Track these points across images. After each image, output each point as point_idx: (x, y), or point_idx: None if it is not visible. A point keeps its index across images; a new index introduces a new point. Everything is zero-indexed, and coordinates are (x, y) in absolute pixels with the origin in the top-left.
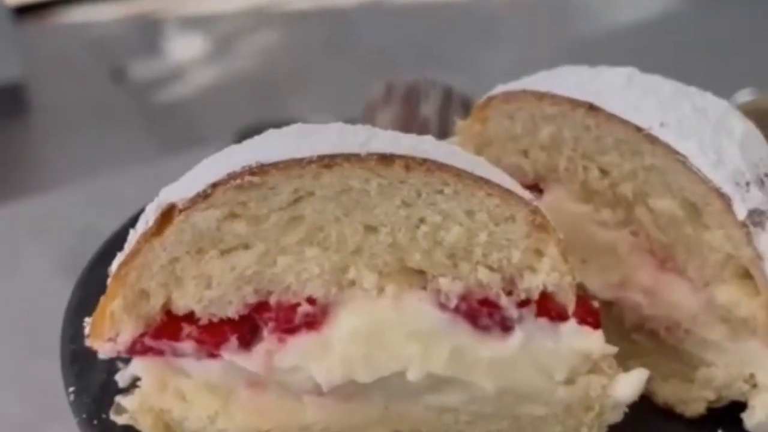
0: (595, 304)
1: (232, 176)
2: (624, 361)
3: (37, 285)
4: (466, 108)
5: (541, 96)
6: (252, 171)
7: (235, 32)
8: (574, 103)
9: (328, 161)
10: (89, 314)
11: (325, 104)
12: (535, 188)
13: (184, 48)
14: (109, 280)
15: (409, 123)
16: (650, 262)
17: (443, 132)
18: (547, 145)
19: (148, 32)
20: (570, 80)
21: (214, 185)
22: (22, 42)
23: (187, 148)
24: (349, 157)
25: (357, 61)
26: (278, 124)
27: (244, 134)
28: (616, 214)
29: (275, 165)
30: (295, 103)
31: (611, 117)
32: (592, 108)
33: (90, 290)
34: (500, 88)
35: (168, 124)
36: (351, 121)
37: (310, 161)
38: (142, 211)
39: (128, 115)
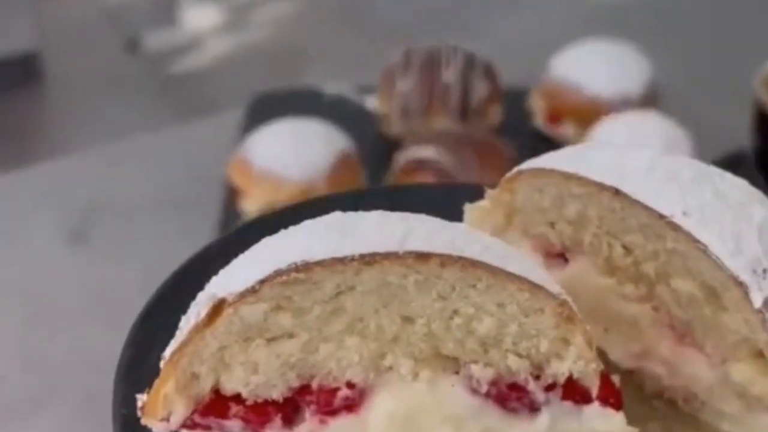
0: (617, 380)
1: (278, 273)
2: (644, 424)
3: (45, 253)
4: (489, 75)
5: (569, 176)
6: (297, 268)
7: (249, 1)
8: (601, 187)
9: (368, 259)
10: (138, 374)
11: (341, 73)
12: (562, 257)
13: (198, 18)
14: (162, 364)
15: (430, 90)
16: (670, 336)
17: (465, 99)
18: (573, 220)
19: (162, 2)
20: (596, 161)
21: (262, 281)
22: (36, 12)
23: (200, 117)
24: (387, 255)
25: (374, 29)
26: (293, 93)
27: (259, 103)
28: (638, 289)
29: (319, 263)
30: (310, 71)
31: (635, 202)
32: (617, 193)
33: (138, 349)
34: (529, 163)
35: (182, 94)
36: (368, 89)
37: (351, 259)
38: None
39: (142, 84)
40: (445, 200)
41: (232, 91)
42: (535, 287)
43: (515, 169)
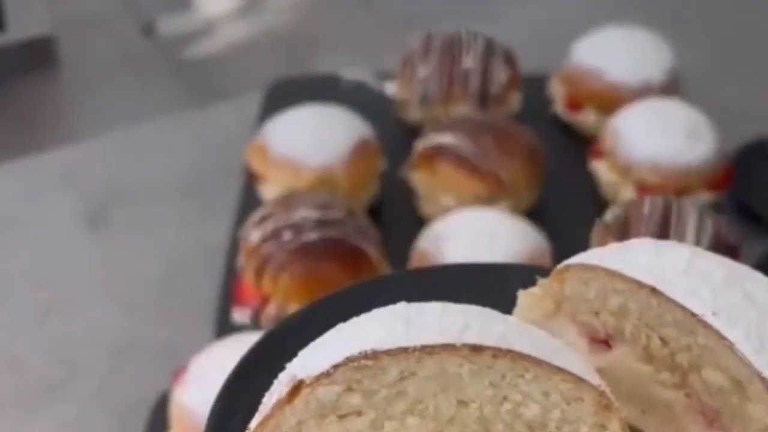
0: None
1: (350, 359)
2: None
3: (64, 237)
4: (509, 61)
5: (612, 273)
6: (367, 356)
7: None
8: (640, 285)
9: (429, 350)
10: None
11: (358, 59)
12: (606, 343)
13: (213, 3)
14: None
15: (450, 76)
16: (701, 420)
17: (485, 85)
18: (616, 312)
19: None
20: (637, 259)
21: (336, 366)
22: None
23: (216, 102)
24: (446, 347)
25: (391, 15)
26: (312, 79)
27: (277, 88)
28: (673, 377)
29: (386, 352)
30: (327, 57)
31: (671, 301)
32: (654, 291)
33: (220, 420)
34: (576, 258)
35: (196, 79)
36: (386, 75)
37: (414, 349)
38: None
39: (157, 69)
40: (501, 279)
41: (247, 76)
42: (577, 378)
43: (564, 263)
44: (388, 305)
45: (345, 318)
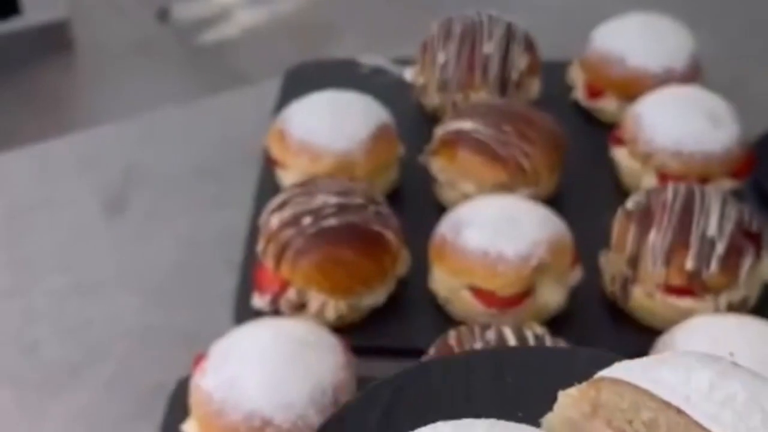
0: None
1: None
2: None
3: (82, 222)
4: (529, 47)
5: (642, 391)
6: None
7: None
8: (667, 404)
9: None
10: None
11: (377, 45)
12: None
13: None
14: None
15: (469, 62)
16: None
17: (504, 71)
18: (647, 423)
19: None
20: (666, 377)
21: None
22: None
23: (231, 88)
24: None
25: (410, 1)
26: (330, 64)
27: (295, 74)
28: None
29: None
30: (345, 44)
31: (695, 422)
32: (680, 411)
33: None
34: (610, 370)
35: (211, 64)
36: (404, 61)
37: None
38: None
39: (172, 54)
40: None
41: (263, 63)
42: None
43: (599, 375)
44: (452, 388)
45: (399, 404)
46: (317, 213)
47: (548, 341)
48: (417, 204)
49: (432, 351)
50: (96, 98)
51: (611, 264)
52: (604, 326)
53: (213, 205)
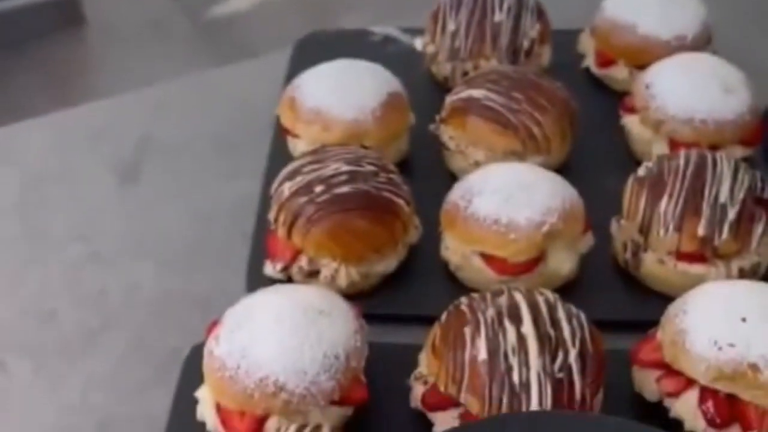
0: None
1: None
2: None
3: (97, 192)
4: (539, 15)
5: None
6: None
7: None
8: None
9: None
10: None
11: (386, 16)
12: None
13: None
14: None
15: (480, 30)
16: None
17: (515, 39)
18: None
19: None
20: None
21: None
22: None
23: (241, 60)
24: None
25: None
26: (341, 34)
27: (306, 44)
28: None
29: None
30: (354, 15)
31: None
32: None
33: None
34: None
35: (222, 39)
36: (416, 31)
37: None
38: None
39: (182, 29)
40: None
41: (272, 36)
42: None
43: None
44: None
45: None
46: (329, 181)
47: (560, 307)
48: (428, 173)
49: (444, 318)
50: (108, 73)
51: (623, 231)
52: (616, 293)
53: (226, 176)
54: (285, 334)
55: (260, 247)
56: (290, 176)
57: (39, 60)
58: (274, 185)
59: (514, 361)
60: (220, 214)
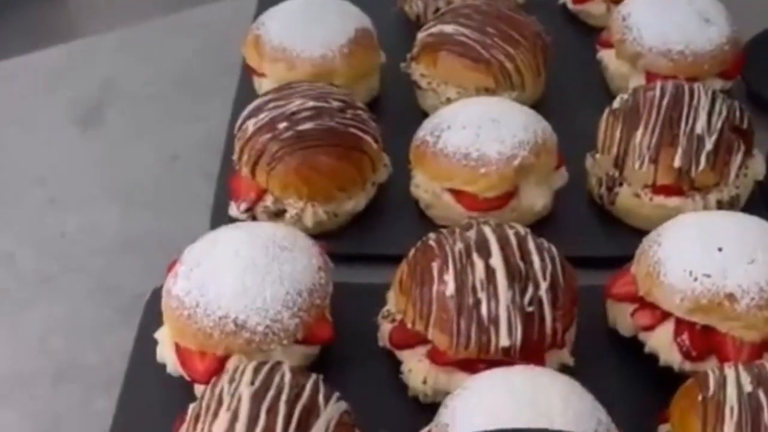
0: None
1: None
2: None
3: (59, 136)
4: None
5: None
6: None
7: None
8: None
9: None
10: None
11: None
12: None
13: None
14: None
15: None
16: None
17: None
18: None
19: None
20: None
21: None
22: None
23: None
24: None
25: None
26: None
27: None
28: None
29: None
30: None
31: None
32: None
33: None
34: None
35: None
36: None
37: None
38: None
39: None
40: None
41: None
42: None
43: None
44: None
45: None
46: (293, 117)
47: (530, 241)
48: (398, 112)
49: (411, 254)
50: (73, 14)
51: (598, 165)
52: (590, 229)
53: (191, 117)
54: (245, 270)
55: (225, 189)
56: (253, 113)
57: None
58: (238, 123)
59: (482, 295)
60: (186, 157)
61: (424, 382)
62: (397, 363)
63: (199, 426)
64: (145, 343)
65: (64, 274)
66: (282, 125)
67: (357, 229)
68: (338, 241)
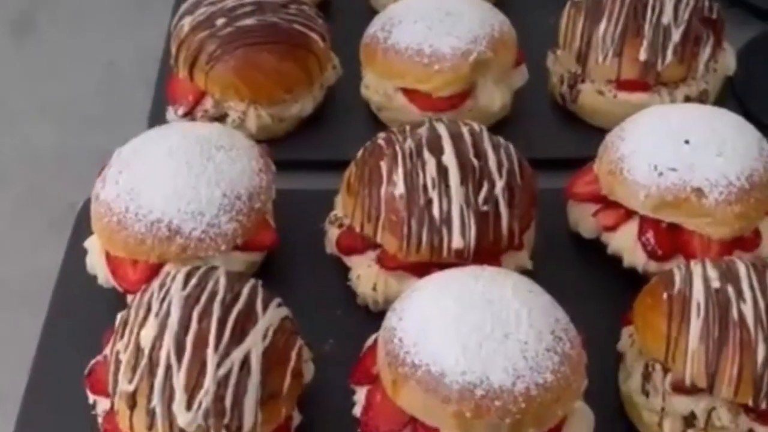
0: None
1: None
2: None
3: None
4: None
5: None
6: None
7: None
8: None
9: None
10: None
11: None
12: None
13: None
14: None
15: None
16: None
17: None
18: None
19: None
20: None
21: None
22: None
23: None
24: None
25: None
26: None
27: None
28: None
29: None
30: None
31: None
32: None
33: None
34: None
35: None
36: None
37: None
38: None
39: None
40: None
41: None
42: None
43: None
44: None
45: None
46: (232, 13)
47: (486, 138)
48: (350, 11)
49: (359, 154)
50: None
51: (559, 62)
52: (552, 130)
53: (128, 25)
54: (178, 171)
55: (163, 94)
56: (190, 10)
57: None
58: (174, 21)
59: (434, 194)
60: (124, 65)
61: (374, 288)
62: (346, 270)
63: (126, 334)
64: (76, 255)
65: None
66: (220, 21)
67: (304, 134)
68: (284, 147)
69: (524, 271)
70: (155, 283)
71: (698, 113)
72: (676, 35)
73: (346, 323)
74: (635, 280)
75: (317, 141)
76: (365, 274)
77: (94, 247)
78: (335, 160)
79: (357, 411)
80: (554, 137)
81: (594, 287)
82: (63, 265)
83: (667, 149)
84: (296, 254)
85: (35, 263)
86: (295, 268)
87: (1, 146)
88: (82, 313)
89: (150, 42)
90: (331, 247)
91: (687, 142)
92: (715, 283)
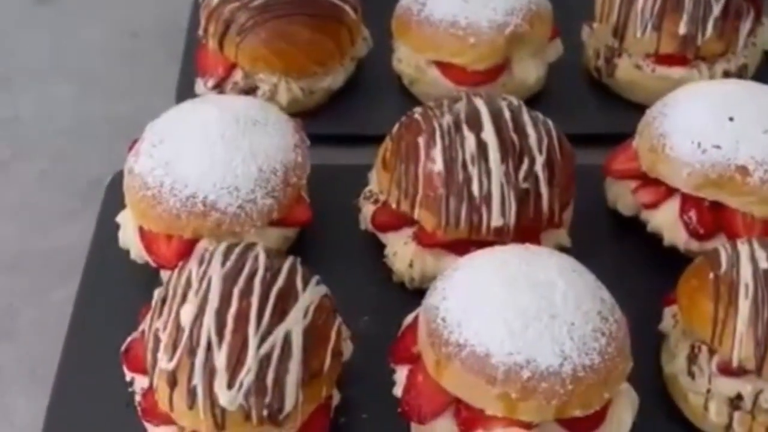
0: None
1: None
2: None
3: (14, 13)
4: None
5: None
6: None
7: None
8: None
9: None
10: None
11: None
12: None
13: None
14: None
15: None
16: None
17: None
18: None
19: None
20: None
21: None
22: None
23: None
24: None
25: None
26: None
27: None
28: None
29: None
30: None
31: None
32: None
33: None
34: None
35: None
36: None
37: None
38: None
39: None
40: None
41: None
42: None
43: None
44: None
45: None
46: None
47: (525, 113)
48: None
49: (395, 129)
50: None
51: (596, 36)
52: (587, 104)
53: None
54: (215, 147)
55: (191, 65)
56: None
57: None
58: None
59: (473, 171)
60: (148, 33)
61: (411, 265)
62: (381, 247)
63: (165, 312)
64: (106, 230)
65: (14, 161)
66: None
67: (335, 107)
68: (315, 121)
69: (563, 249)
70: (193, 261)
71: (742, 89)
72: (716, 9)
73: (382, 300)
74: (675, 258)
75: (348, 115)
76: (401, 251)
77: (126, 221)
78: (367, 135)
79: (397, 391)
80: (588, 112)
81: (633, 266)
82: (94, 240)
83: (711, 126)
84: (329, 230)
85: (60, 240)
86: (329, 245)
87: (24, 119)
88: (115, 288)
89: (174, 13)
90: (365, 224)
91: (731, 119)
92: (764, 264)
